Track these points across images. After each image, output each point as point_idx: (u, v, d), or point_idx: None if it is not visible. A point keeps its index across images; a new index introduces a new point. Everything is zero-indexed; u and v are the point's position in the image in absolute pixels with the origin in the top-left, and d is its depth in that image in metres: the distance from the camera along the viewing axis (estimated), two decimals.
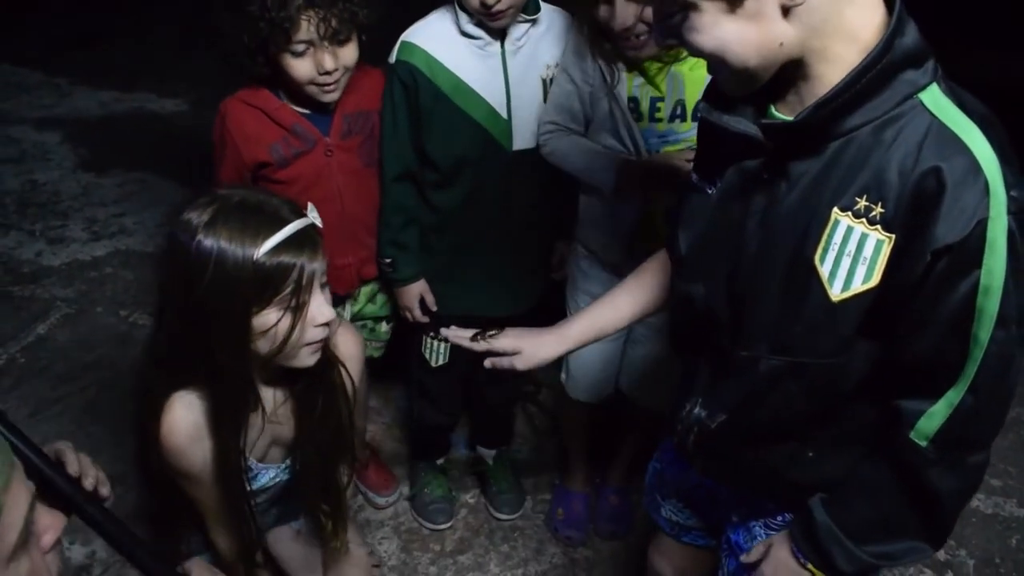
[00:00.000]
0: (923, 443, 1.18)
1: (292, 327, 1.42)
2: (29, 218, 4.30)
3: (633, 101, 1.98)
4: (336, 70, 1.95)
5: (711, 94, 1.26)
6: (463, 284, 2.34)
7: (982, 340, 1.09)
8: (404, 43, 2.08)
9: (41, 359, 3.21)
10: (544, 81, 2.11)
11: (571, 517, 2.69)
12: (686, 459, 1.53)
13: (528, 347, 1.65)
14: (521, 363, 1.65)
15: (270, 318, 1.40)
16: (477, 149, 2.11)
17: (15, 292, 3.66)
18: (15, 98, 5.84)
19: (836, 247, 1.14)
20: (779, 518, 1.50)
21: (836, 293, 1.15)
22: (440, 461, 2.81)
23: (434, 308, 2.34)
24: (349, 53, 1.97)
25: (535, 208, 2.26)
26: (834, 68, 1.09)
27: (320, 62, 1.92)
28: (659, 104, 1.97)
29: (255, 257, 1.35)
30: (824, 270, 1.15)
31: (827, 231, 1.14)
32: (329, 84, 1.98)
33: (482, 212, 2.21)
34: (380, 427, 3.09)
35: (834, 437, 1.33)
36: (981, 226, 1.03)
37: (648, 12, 1.77)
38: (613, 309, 1.67)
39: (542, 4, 2.09)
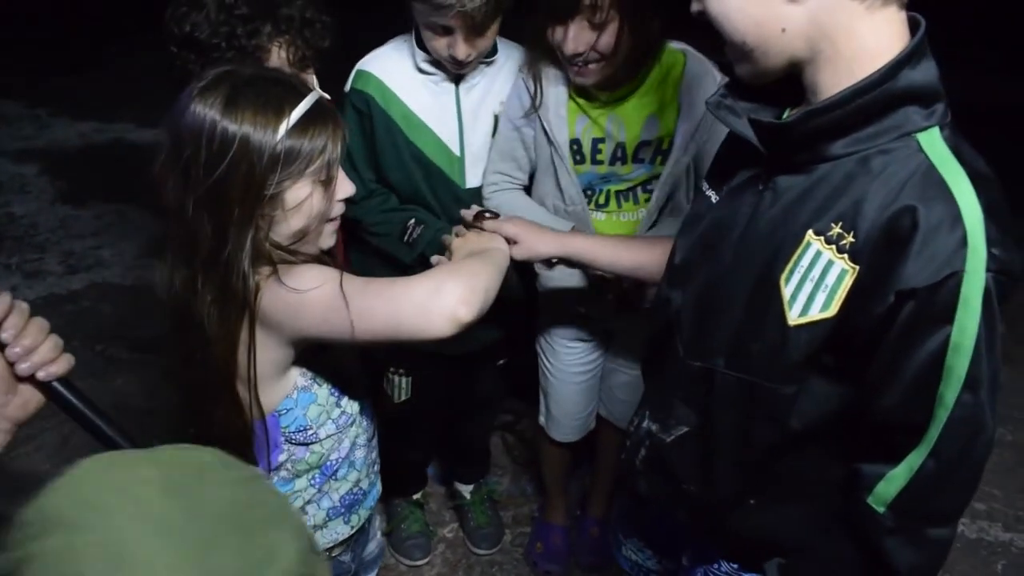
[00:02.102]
0: (881, 509, 1.11)
1: (322, 200, 1.37)
2: (6, 251, 4.28)
3: (576, 143, 1.96)
4: None
5: (731, 85, 1.23)
6: None
7: (948, 402, 1.03)
8: (360, 71, 2.04)
9: None
10: (497, 116, 2.07)
11: (550, 550, 2.65)
12: (631, 478, 1.47)
13: (528, 239, 1.65)
14: (519, 252, 1.64)
15: (303, 191, 1.33)
16: (430, 184, 2.07)
17: None
18: None
19: (802, 270, 1.11)
20: (719, 566, 1.45)
21: (793, 316, 1.12)
22: (417, 496, 2.77)
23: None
24: (311, 81, 1.94)
25: None
26: (839, 82, 1.05)
27: None
28: (600, 146, 1.95)
29: (283, 132, 1.28)
30: (787, 291, 1.12)
31: (798, 252, 1.11)
32: None
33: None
34: None
35: (778, 490, 1.28)
36: (955, 279, 0.98)
37: (602, 41, 1.76)
38: (613, 248, 1.69)
39: (499, 42, 2.05)
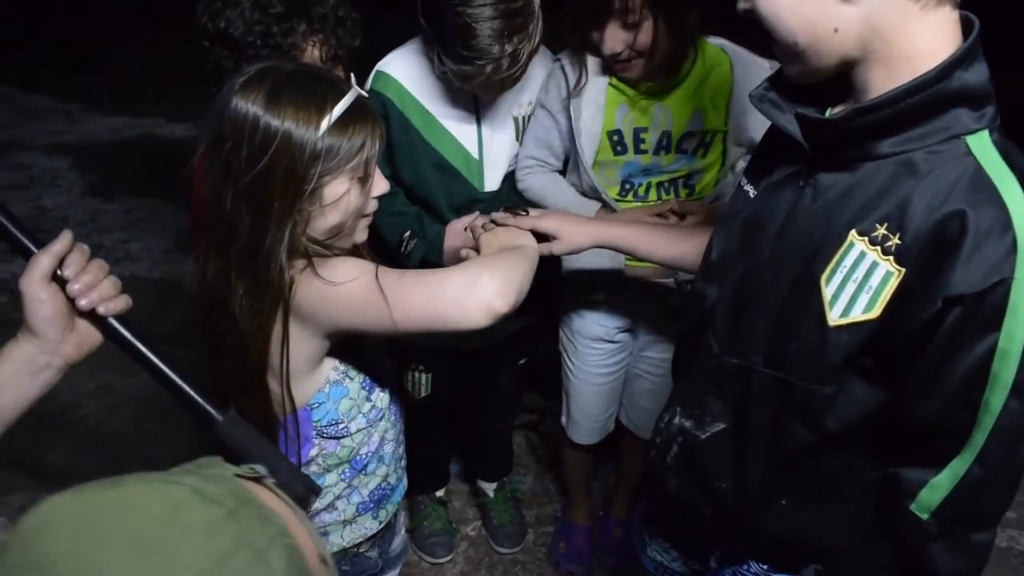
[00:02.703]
0: (925, 516, 1.11)
1: (358, 197, 1.38)
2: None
3: (616, 134, 1.95)
4: None
5: (775, 79, 1.21)
6: None
7: (994, 408, 1.02)
8: (379, 72, 2.02)
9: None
10: (516, 120, 2.06)
11: (573, 551, 2.64)
12: (661, 475, 1.46)
13: (567, 232, 1.64)
14: (559, 248, 1.64)
15: (341, 187, 1.34)
16: (445, 186, 2.06)
17: (20, 319, 3.65)
18: (26, 124, 5.92)
19: (845, 270, 1.09)
20: (748, 566, 1.43)
21: (834, 317, 1.10)
22: (440, 493, 2.79)
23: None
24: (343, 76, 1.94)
25: None
26: (892, 82, 1.03)
27: None
28: (643, 135, 1.94)
29: (325, 129, 1.29)
30: (828, 291, 1.11)
31: (840, 252, 1.10)
32: None
33: None
34: None
35: (811, 490, 1.27)
36: (1004, 286, 0.97)
37: (639, 40, 1.77)
38: (651, 237, 1.67)
39: None
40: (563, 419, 2.46)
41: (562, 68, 1.96)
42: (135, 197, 4.73)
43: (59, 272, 1.14)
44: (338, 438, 1.50)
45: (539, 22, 1.76)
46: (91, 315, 1.17)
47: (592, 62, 1.93)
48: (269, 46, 1.73)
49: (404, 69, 2.00)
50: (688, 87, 1.91)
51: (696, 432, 1.35)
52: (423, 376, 2.37)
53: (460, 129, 2.02)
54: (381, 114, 1.95)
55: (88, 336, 1.19)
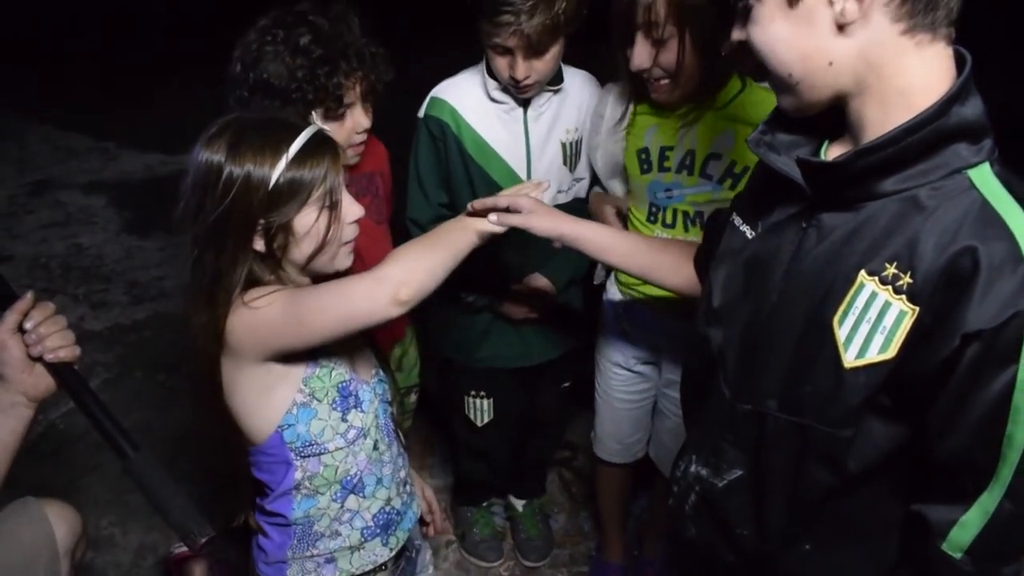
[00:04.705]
0: (958, 555, 1.08)
1: (329, 224, 1.45)
2: (73, 282, 4.39)
3: (644, 152, 2.00)
4: (366, 130, 1.96)
5: (771, 122, 1.22)
6: (499, 337, 2.34)
7: (1018, 442, 1.00)
8: (434, 99, 2.14)
9: (79, 425, 3.22)
10: (564, 145, 2.16)
11: None
12: (681, 525, 1.43)
13: (532, 214, 1.62)
14: (520, 221, 1.61)
15: (310, 218, 1.43)
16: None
17: None
18: (65, 163, 6.03)
19: (857, 311, 1.08)
20: None
21: (850, 359, 1.09)
22: (485, 504, 2.88)
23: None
24: (370, 115, 1.97)
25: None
26: (887, 118, 1.04)
27: (358, 123, 1.92)
28: (668, 153, 1.97)
29: (282, 168, 1.39)
30: (841, 333, 1.09)
31: (851, 293, 1.09)
32: (359, 144, 1.98)
33: (502, 268, 2.22)
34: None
35: (834, 532, 1.23)
36: (1020, 318, 0.96)
37: (663, 58, 1.79)
38: (625, 244, 1.68)
39: (566, 70, 2.13)
40: (592, 434, 2.51)
41: (607, 101, 2.05)
42: (169, 234, 4.78)
43: (22, 325, 1.41)
44: (317, 456, 1.55)
45: None
46: (43, 361, 1.43)
47: (615, 91, 2.03)
48: (315, 88, 1.77)
49: (458, 95, 2.13)
50: (723, 114, 1.91)
51: (713, 480, 1.33)
52: (484, 402, 2.46)
53: (510, 152, 2.14)
54: (439, 137, 2.13)
55: (44, 378, 1.45)
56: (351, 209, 1.49)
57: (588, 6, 1.97)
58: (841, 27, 1.02)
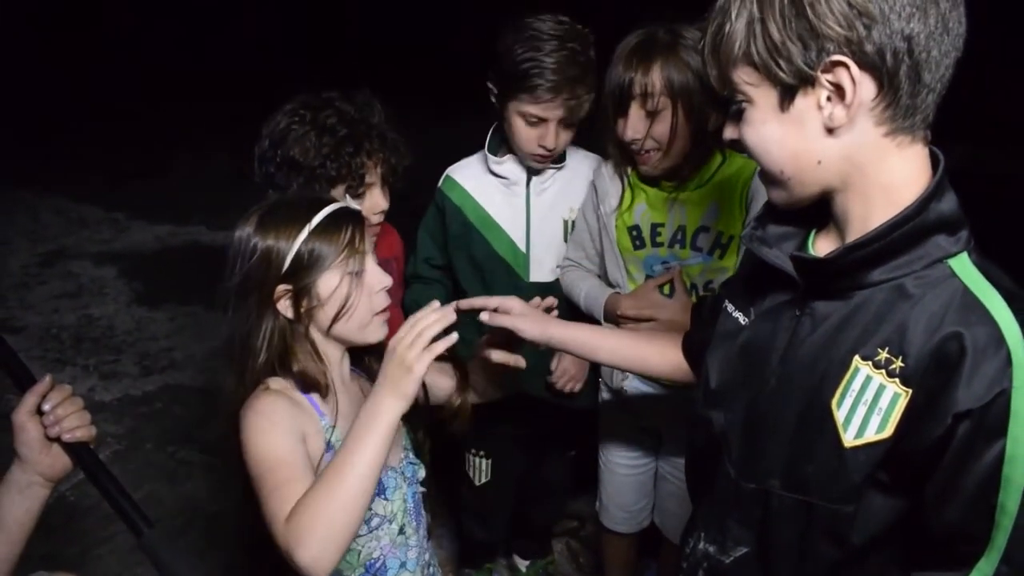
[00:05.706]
0: None
1: (351, 289, 1.49)
2: (84, 353, 4.43)
3: (635, 229, 2.09)
4: (383, 211, 2.02)
5: (762, 217, 1.29)
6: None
7: (1010, 509, 1.06)
8: (447, 177, 2.36)
9: (90, 496, 3.23)
10: (566, 223, 2.30)
11: None
12: None
13: (520, 318, 1.62)
14: (508, 322, 1.61)
15: (332, 282, 1.48)
16: (495, 276, 2.31)
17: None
18: (76, 233, 6.12)
19: (854, 394, 1.14)
20: None
21: (849, 439, 1.14)
22: (488, 565, 2.94)
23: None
24: (387, 197, 2.04)
25: None
26: (872, 214, 1.12)
27: (376, 203, 1.99)
28: (659, 229, 2.07)
29: (304, 237, 1.46)
30: (840, 415, 1.15)
31: (847, 377, 1.15)
32: (375, 226, 2.04)
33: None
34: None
35: None
36: (1004, 396, 1.02)
37: (656, 129, 1.89)
38: (611, 341, 1.72)
39: (571, 150, 2.25)
40: (597, 504, 2.55)
41: (602, 176, 2.14)
42: (179, 305, 4.85)
43: (40, 407, 1.44)
44: None
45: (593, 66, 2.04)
46: (61, 441, 1.44)
47: (608, 171, 2.12)
48: (339, 164, 1.86)
49: (466, 174, 2.34)
50: (708, 188, 2.01)
51: (720, 557, 1.36)
52: (483, 462, 2.54)
53: (511, 225, 2.31)
54: (441, 208, 2.32)
55: (61, 458, 1.46)
56: (378, 278, 1.53)
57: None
58: (830, 130, 1.10)
